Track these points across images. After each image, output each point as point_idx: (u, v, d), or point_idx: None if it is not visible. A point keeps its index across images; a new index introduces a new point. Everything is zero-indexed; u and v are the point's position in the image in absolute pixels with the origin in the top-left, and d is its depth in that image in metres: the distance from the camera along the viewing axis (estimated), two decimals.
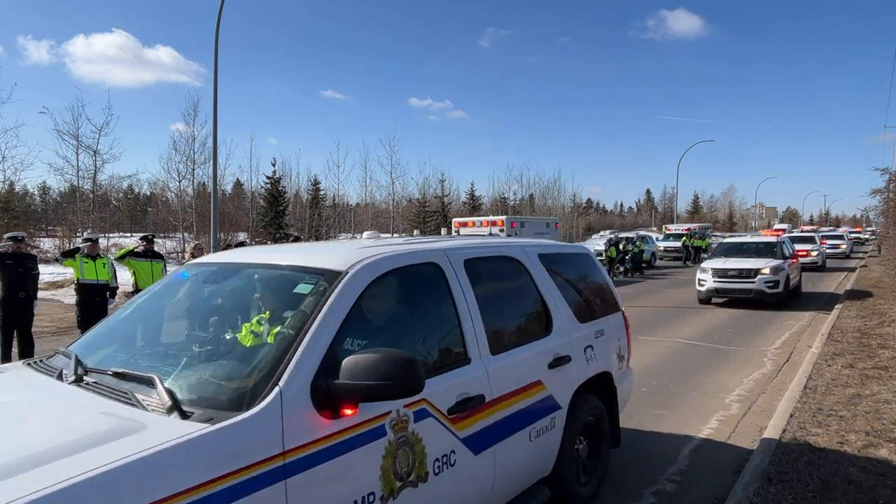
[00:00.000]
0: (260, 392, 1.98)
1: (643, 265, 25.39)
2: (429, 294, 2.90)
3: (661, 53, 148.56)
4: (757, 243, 15.02)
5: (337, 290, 2.34)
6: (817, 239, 26.44)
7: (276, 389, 1.97)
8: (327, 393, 2.05)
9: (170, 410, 1.91)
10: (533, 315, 3.46)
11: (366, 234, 4.09)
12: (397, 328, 2.75)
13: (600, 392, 3.85)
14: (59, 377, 2.35)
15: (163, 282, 3.35)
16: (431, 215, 46.07)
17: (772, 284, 12.76)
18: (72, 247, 9.57)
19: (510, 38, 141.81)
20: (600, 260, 22.41)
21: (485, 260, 3.26)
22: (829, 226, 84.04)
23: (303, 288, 2.46)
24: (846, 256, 32.99)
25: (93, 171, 28.05)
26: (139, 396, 2.03)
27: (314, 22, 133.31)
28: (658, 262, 29.49)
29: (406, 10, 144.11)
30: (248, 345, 2.39)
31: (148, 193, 49.51)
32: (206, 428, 1.80)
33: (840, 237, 35.33)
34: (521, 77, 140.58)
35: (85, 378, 2.26)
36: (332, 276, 2.43)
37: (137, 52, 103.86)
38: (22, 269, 7.43)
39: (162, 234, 32.02)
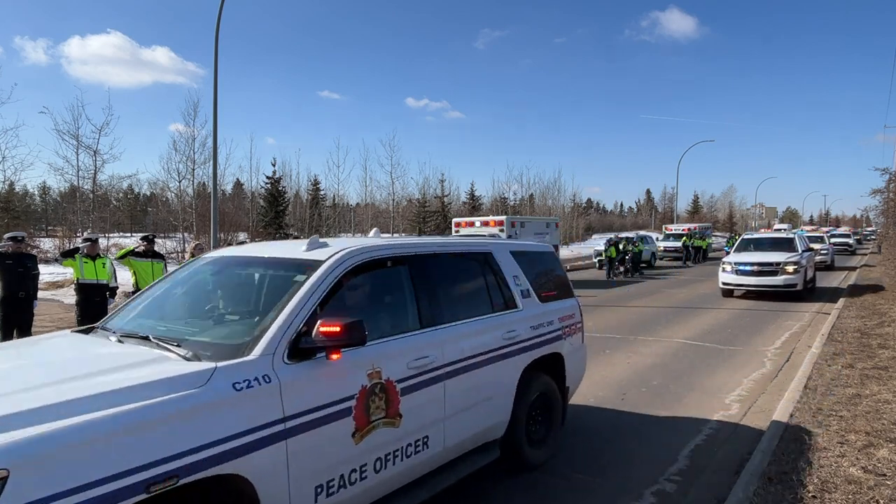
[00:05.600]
0: None
1: (643, 265, 25.41)
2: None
3: (659, 53, 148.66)
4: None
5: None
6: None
7: None
8: None
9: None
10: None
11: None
12: None
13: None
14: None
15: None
16: (431, 215, 46.05)
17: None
18: (72, 247, 9.56)
19: (506, 38, 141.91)
20: (600, 260, 22.75)
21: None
22: (830, 225, 77.47)
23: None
24: (804, 287, 14.72)
25: (93, 171, 28.02)
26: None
27: (308, 22, 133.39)
28: (658, 262, 29.49)
29: (400, 11, 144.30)
30: None
31: (148, 193, 49.49)
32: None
33: (784, 244, 16.19)
34: (518, 78, 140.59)
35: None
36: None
37: (134, 53, 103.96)
38: (22, 269, 7.43)
39: (162, 234, 31.99)
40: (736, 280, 14.84)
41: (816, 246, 24.40)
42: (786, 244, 16.07)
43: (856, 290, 15.37)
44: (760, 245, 16.68)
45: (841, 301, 13.50)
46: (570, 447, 4.79)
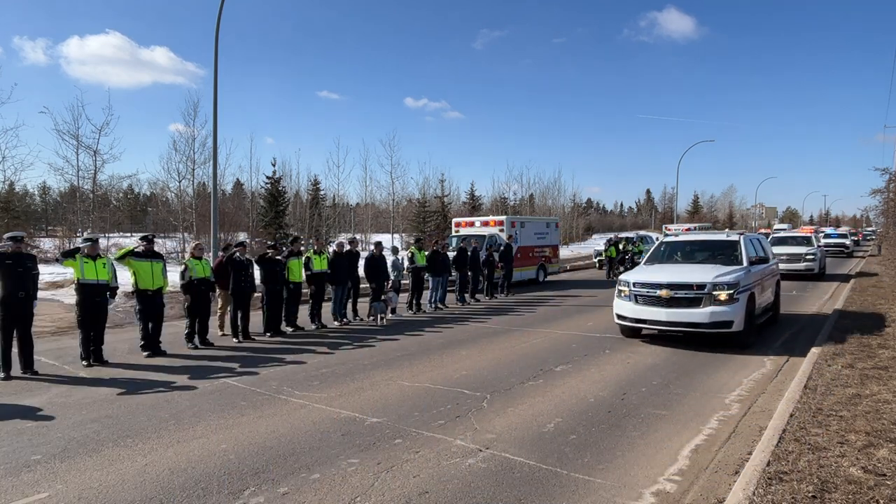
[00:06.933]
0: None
1: None
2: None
3: (658, 53, 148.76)
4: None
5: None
6: None
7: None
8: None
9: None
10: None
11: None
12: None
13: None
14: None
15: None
16: (431, 215, 46.07)
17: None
18: (72, 247, 9.56)
19: (505, 38, 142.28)
20: (600, 260, 22.91)
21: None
22: (830, 225, 73.85)
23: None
24: (747, 325, 8.75)
25: (93, 171, 28.09)
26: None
27: (308, 22, 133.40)
28: None
29: (401, 9, 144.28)
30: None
31: (148, 193, 49.58)
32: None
33: (721, 251, 10.44)
34: (518, 77, 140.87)
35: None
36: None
37: (134, 53, 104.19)
38: (21, 269, 7.42)
39: (162, 234, 32.03)
40: (635, 312, 9.06)
41: (801, 249, 20.25)
42: (725, 252, 10.11)
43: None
44: (687, 253, 10.71)
45: (841, 298, 13.49)
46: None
